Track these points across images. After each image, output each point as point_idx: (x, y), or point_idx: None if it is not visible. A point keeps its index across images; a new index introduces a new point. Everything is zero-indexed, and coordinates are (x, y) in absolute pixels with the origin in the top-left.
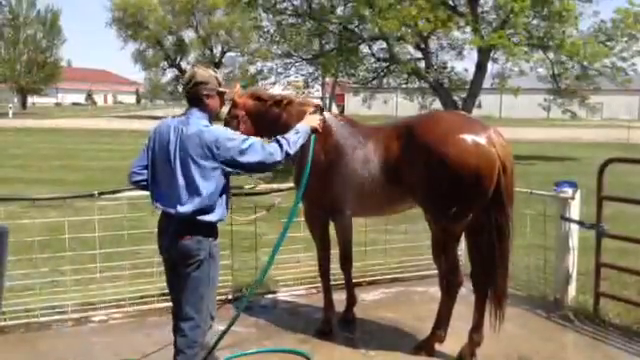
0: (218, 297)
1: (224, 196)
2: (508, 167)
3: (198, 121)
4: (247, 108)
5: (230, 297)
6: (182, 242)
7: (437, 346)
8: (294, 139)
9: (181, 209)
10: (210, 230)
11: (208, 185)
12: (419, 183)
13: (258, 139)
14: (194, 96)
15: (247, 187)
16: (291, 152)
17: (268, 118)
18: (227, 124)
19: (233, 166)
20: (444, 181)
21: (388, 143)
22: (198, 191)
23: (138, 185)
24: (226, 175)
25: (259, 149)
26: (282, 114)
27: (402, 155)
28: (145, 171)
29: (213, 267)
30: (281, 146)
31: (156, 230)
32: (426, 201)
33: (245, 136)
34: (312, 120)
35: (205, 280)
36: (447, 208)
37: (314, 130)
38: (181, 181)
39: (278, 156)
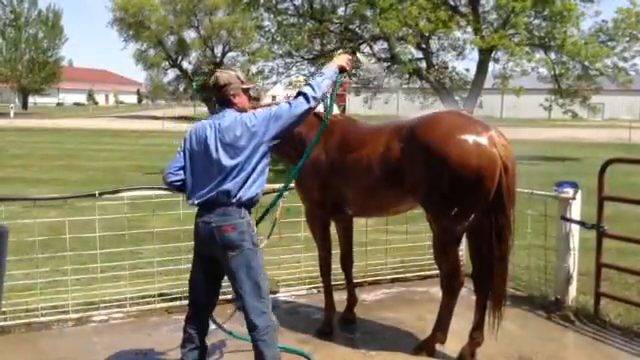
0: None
1: (264, 172)
2: (510, 167)
3: (232, 113)
4: None
5: (230, 297)
6: (225, 234)
7: (438, 346)
8: (318, 81)
9: (225, 187)
10: (248, 216)
11: (250, 164)
12: (420, 183)
13: (283, 102)
14: (223, 98)
15: None
16: (318, 95)
17: None
18: None
19: (274, 136)
20: (445, 181)
21: (389, 143)
22: (241, 171)
23: (173, 185)
24: (269, 151)
25: (286, 109)
26: None
27: (403, 155)
28: (181, 172)
29: (260, 255)
30: (305, 95)
31: (191, 228)
32: (427, 201)
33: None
34: (340, 59)
35: (256, 268)
36: (448, 209)
37: (342, 69)
38: (225, 169)
39: (305, 105)
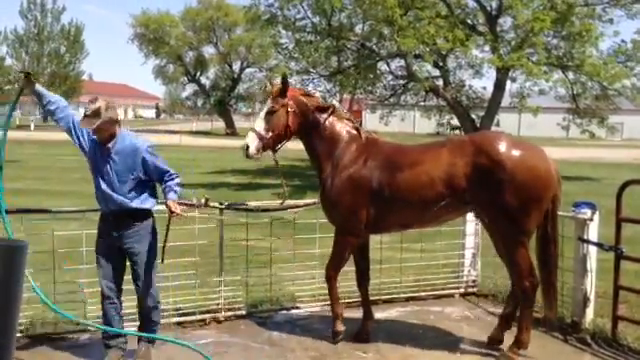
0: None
1: None
2: (560, 180)
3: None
4: (297, 102)
5: (244, 313)
6: None
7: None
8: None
9: None
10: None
11: None
12: (492, 197)
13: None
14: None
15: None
16: (176, 189)
17: (310, 119)
18: (273, 112)
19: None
20: (518, 194)
21: (453, 159)
22: None
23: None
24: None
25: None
26: (323, 120)
27: (471, 170)
28: None
29: None
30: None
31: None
32: (499, 214)
33: None
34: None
35: None
36: (519, 220)
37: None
38: None
39: (177, 177)
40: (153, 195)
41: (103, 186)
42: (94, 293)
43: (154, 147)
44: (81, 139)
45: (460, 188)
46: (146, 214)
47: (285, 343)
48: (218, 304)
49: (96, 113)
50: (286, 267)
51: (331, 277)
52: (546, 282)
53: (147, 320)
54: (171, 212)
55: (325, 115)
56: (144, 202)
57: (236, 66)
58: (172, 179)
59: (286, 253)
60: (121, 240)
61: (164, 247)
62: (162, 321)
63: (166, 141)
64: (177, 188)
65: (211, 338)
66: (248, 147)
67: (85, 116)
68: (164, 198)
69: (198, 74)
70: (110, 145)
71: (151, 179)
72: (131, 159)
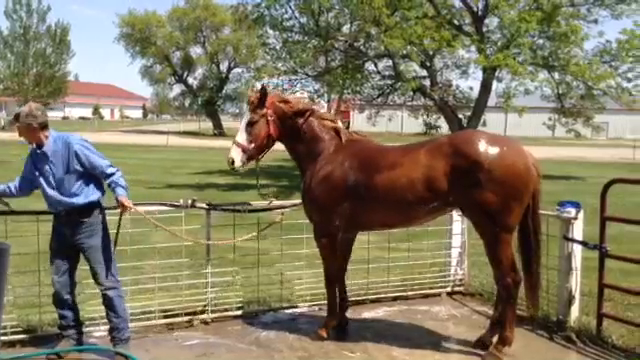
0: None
1: None
2: (540, 173)
3: None
4: (276, 110)
5: (231, 314)
6: None
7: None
8: (123, 182)
9: None
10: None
11: None
12: (472, 196)
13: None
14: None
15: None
16: (123, 184)
17: (289, 125)
18: (254, 122)
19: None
20: (497, 191)
21: (431, 161)
22: None
23: None
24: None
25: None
26: (300, 124)
27: (450, 171)
28: None
29: None
30: (119, 182)
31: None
32: (480, 212)
33: None
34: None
35: None
36: (500, 216)
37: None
38: None
39: (117, 171)
40: (99, 188)
41: (49, 191)
42: (81, 295)
43: (88, 142)
44: (34, 175)
45: (441, 189)
46: (95, 208)
47: (272, 344)
48: (205, 305)
49: (18, 117)
50: (274, 268)
51: (329, 281)
52: (528, 278)
53: (113, 315)
54: (123, 207)
55: (302, 119)
56: (90, 196)
57: (223, 66)
58: (114, 174)
59: (274, 254)
60: (73, 237)
61: (116, 239)
62: (148, 323)
63: (153, 142)
64: (122, 182)
65: (198, 339)
66: (234, 161)
67: (13, 119)
68: (114, 195)
69: (185, 74)
70: (45, 149)
71: (92, 173)
72: (66, 157)
